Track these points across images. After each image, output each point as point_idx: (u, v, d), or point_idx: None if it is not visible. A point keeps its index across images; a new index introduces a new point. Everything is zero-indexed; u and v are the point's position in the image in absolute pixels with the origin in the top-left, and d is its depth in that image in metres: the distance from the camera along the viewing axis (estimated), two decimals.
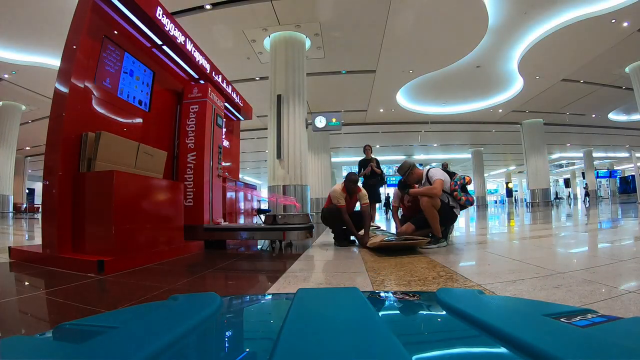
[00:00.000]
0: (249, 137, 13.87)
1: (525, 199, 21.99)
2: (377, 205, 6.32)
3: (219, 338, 0.44)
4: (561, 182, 38.16)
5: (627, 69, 10.68)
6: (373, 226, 4.59)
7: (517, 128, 17.07)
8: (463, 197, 3.41)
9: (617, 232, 4.31)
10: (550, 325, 0.38)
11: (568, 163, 30.22)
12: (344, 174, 5.08)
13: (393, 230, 4.61)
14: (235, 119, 5.88)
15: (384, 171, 6.00)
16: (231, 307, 0.59)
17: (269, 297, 0.98)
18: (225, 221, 4.23)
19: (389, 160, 24.94)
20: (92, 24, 2.73)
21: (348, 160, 22.89)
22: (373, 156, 5.90)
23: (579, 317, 0.39)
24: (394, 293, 0.61)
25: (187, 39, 3.77)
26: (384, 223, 7.72)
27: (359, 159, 6.05)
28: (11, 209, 14.08)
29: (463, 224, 7.84)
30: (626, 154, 24.20)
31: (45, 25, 7.67)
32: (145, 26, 3.22)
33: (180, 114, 3.91)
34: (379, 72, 10.78)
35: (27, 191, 21.27)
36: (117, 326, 0.40)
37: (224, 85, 4.86)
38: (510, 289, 1.60)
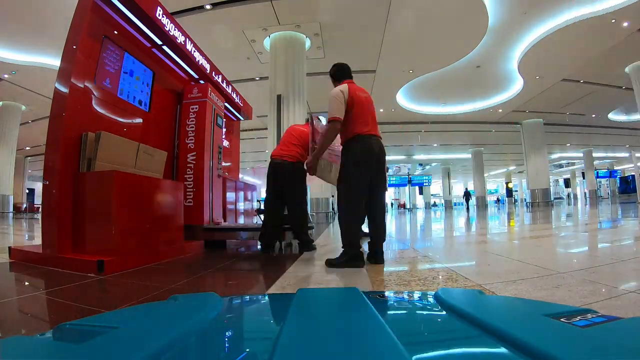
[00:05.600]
0: (249, 137, 13.87)
1: (525, 199, 21.97)
2: None
3: (219, 338, 0.44)
4: (561, 182, 38.12)
5: (627, 69, 10.67)
6: None
7: (517, 128, 17.07)
8: None
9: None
10: (550, 325, 0.38)
11: (568, 163, 30.20)
12: None
13: None
14: (235, 119, 5.88)
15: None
16: (231, 307, 0.59)
17: (269, 297, 0.98)
18: (225, 221, 4.23)
19: (388, 160, 24.92)
20: (92, 24, 2.72)
21: None
22: None
23: (579, 317, 0.39)
24: (394, 293, 0.61)
25: (187, 39, 3.77)
26: None
27: None
28: (11, 209, 14.07)
29: (463, 224, 7.84)
30: (626, 154, 24.19)
31: (45, 25, 7.67)
32: (145, 26, 3.21)
33: (180, 114, 3.90)
34: (379, 72, 10.79)
35: (27, 191, 21.28)
36: (117, 326, 0.40)
37: (224, 85, 4.85)
38: (510, 289, 1.60)
